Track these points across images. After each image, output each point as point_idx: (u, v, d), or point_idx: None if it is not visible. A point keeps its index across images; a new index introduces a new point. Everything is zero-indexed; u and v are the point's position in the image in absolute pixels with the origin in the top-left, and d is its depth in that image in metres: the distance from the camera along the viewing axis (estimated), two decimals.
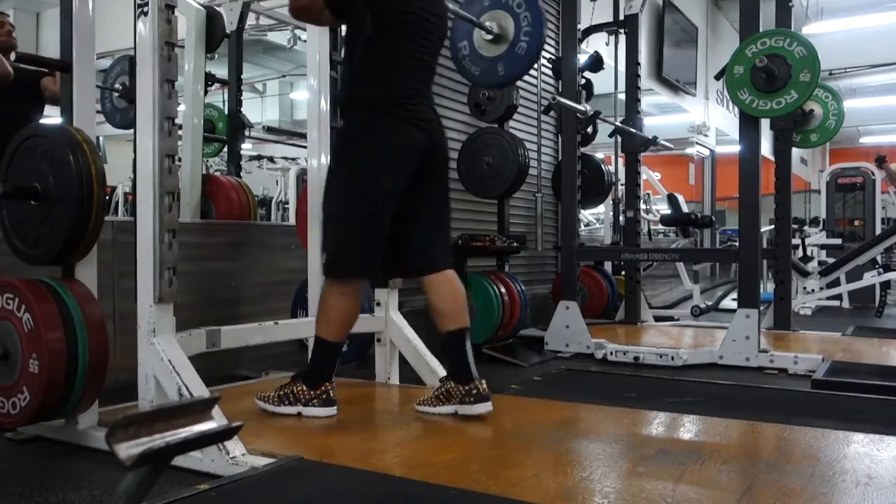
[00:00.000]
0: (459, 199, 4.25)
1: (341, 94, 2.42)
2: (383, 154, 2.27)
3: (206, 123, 4.44)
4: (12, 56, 3.00)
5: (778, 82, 3.69)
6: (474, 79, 3.66)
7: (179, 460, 1.85)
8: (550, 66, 5.44)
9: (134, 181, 2.29)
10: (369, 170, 2.27)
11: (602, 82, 5.51)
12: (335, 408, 2.31)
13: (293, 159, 10.02)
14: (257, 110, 14.33)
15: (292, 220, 4.98)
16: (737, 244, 3.99)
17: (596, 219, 11.58)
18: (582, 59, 4.88)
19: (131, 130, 2.27)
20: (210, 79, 4.37)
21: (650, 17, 7.06)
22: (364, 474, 1.80)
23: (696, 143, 9.65)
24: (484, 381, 2.32)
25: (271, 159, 10.15)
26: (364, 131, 2.29)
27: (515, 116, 4.73)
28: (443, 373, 2.73)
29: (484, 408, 2.29)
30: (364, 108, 2.30)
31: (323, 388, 2.31)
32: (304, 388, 2.31)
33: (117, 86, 4.53)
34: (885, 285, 6.84)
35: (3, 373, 2.13)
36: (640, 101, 5.38)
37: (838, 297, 6.91)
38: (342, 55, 2.47)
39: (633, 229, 5.19)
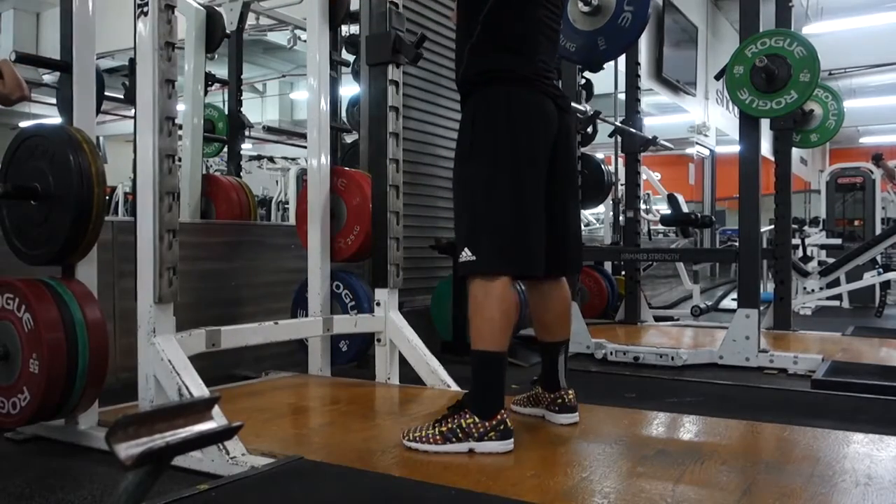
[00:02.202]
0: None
1: (466, 71, 2.11)
2: (530, 129, 2.03)
3: (206, 123, 4.44)
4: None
5: (778, 82, 3.69)
6: (570, 56, 3.32)
7: (179, 460, 1.85)
8: None
9: (134, 181, 2.29)
10: (519, 146, 2.01)
11: (602, 82, 5.51)
12: (513, 440, 1.95)
13: (293, 159, 10.04)
14: (257, 110, 14.34)
15: (292, 220, 4.97)
16: (737, 244, 3.99)
17: (596, 219, 11.59)
18: None
19: (131, 130, 2.27)
20: (210, 79, 4.37)
21: (650, 17, 7.05)
22: (364, 474, 1.80)
23: (696, 143, 9.65)
24: (571, 392, 2.25)
25: (271, 159, 10.16)
26: (505, 106, 2.02)
27: None
28: (443, 373, 2.74)
29: (569, 418, 2.22)
30: (500, 82, 2.04)
31: (499, 416, 1.94)
32: (476, 419, 1.93)
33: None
34: (885, 285, 6.85)
35: (3, 373, 2.13)
36: (640, 101, 5.38)
37: (838, 297, 6.90)
38: (457, 30, 2.19)
39: (632, 229, 5.19)
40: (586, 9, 3.15)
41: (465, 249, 2.00)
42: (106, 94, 3.29)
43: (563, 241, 2.18)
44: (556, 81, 2.19)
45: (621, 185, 6.00)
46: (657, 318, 5.32)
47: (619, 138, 5.52)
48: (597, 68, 3.94)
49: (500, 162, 2.00)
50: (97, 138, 2.55)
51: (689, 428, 2.31)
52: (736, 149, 4.10)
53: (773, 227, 5.05)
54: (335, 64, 3.69)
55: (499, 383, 1.97)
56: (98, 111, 2.35)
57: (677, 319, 5.68)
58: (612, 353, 3.96)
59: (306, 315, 3.15)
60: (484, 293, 1.96)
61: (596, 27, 3.18)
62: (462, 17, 2.15)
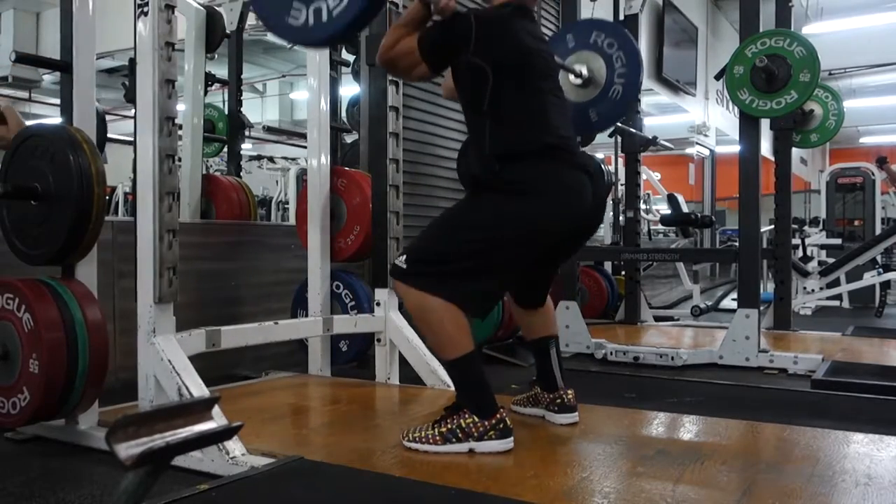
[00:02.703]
0: (459, 199, 4.25)
1: (478, 162, 2.04)
2: (547, 210, 1.96)
3: (206, 123, 4.45)
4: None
5: (778, 82, 3.69)
6: None
7: (179, 460, 1.85)
8: None
9: (134, 181, 2.29)
10: (524, 228, 1.95)
11: None
12: (512, 439, 1.96)
13: (293, 159, 10.04)
14: (257, 110, 14.33)
15: (292, 220, 4.98)
16: (737, 244, 3.99)
17: None
18: None
19: (131, 130, 2.27)
20: (210, 79, 4.37)
21: (650, 17, 7.05)
22: (364, 474, 1.80)
23: (696, 143, 9.65)
24: (571, 392, 2.25)
25: (271, 159, 10.16)
26: (524, 181, 1.94)
27: None
28: (443, 373, 2.74)
29: (568, 418, 2.21)
30: (517, 160, 1.96)
31: (499, 415, 1.95)
32: (476, 418, 1.94)
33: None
34: (885, 285, 6.85)
35: (3, 373, 2.13)
36: (640, 101, 5.37)
37: (838, 297, 6.90)
38: (465, 111, 2.14)
39: (632, 229, 5.19)
40: (577, 81, 3.20)
41: (404, 258, 1.99)
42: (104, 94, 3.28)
43: (533, 286, 2.24)
44: (576, 142, 2.14)
45: (621, 185, 6.00)
46: (657, 318, 5.32)
47: (619, 138, 5.52)
48: (588, 142, 4.03)
49: (502, 241, 1.95)
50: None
51: (689, 428, 2.31)
52: (736, 149, 4.10)
53: (773, 227, 5.05)
54: (335, 64, 3.69)
55: (484, 380, 1.97)
56: (101, 151, 2.32)
57: (677, 319, 5.68)
58: (612, 353, 3.96)
59: (306, 315, 3.15)
60: (428, 305, 1.93)
61: (587, 99, 3.22)
62: (466, 98, 2.11)
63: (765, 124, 4.28)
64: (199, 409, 1.10)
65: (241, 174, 4.81)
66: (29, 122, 2.67)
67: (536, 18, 2.22)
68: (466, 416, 1.94)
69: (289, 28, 1.83)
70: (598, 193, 2.08)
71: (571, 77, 3.20)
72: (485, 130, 2.00)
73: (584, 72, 3.22)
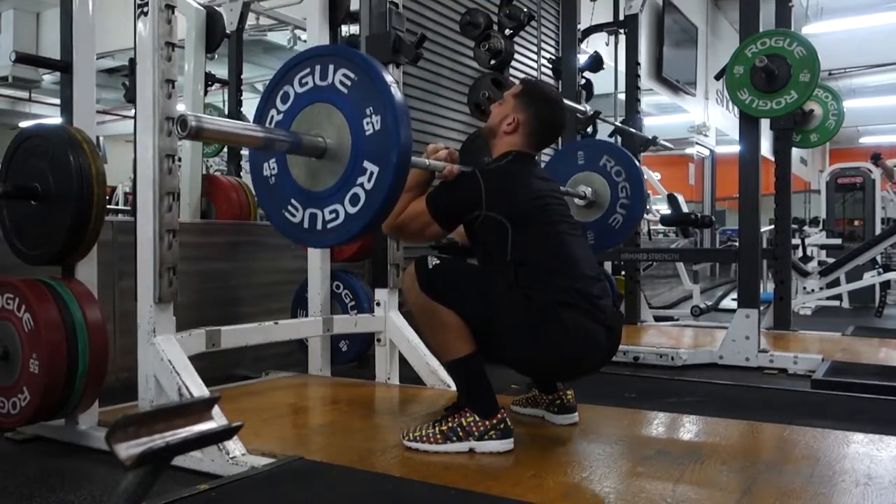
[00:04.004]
0: None
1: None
2: (564, 355, 1.94)
3: None
4: None
5: (778, 82, 3.69)
6: None
7: (179, 460, 1.85)
8: (550, 66, 5.44)
9: (134, 181, 2.29)
10: (537, 356, 1.94)
11: (602, 82, 5.51)
12: (513, 439, 1.96)
13: None
14: None
15: None
16: (737, 244, 3.99)
17: None
18: (582, 59, 4.88)
19: (131, 130, 2.27)
20: (210, 79, 4.37)
21: (650, 17, 7.06)
22: (364, 474, 1.80)
23: (696, 143, 9.66)
24: (570, 392, 2.24)
25: None
26: (550, 327, 1.90)
27: None
28: (443, 373, 2.74)
29: (568, 419, 2.21)
30: (551, 307, 1.91)
31: (500, 415, 1.94)
32: (476, 418, 1.93)
33: None
34: (885, 285, 6.85)
35: (4, 373, 2.13)
36: (640, 101, 5.37)
37: (838, 297, 6.90)
38: (480, 260, 2.14)
39: (633, 229, 5.18)
40: (581, 202, 3.26)
41: (435, 261, 1.97)
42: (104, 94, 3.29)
43: None
44: (603, 283, 2.06)
45: None
46: (657, 318, 5.32)
47: (619, 138, 5.52)
48: None
49: (510, 340, 1.93)
50: (97, 138, 2.55)
51: (689, 428, 2.31)
52: (736, 149, 4.10)
53: (773, 227, 5.05)
54: None
55: (485, 381, 1.96)
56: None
57: (677, 319, 5.68)
58: None
59: (306, 315, 3.15)
60: (425, 306, 1.94)
61: (587, 220, 3.29)
62: (480, 253, 2.11)
63: (765, 124, 4.28)
64: (199, 409, 1.10)
65: (241, 174, 4.81)
66: (29, 122, 2.67)
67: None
68: (467, 415, 1.95)
69: (288, 224, 1.94)
70: (611, 350, 2.03)
71: (576, 199, 3.27)
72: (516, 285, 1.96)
73: (588, 193, 3.28)
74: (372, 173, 1.77)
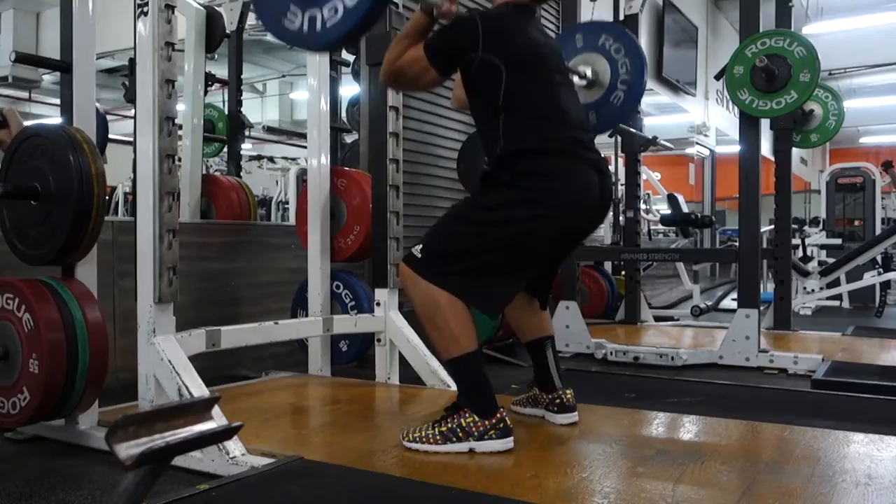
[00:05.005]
0: (459, 199, 4.25)
1: (496, 157, 2.01)
2: (563, 204, 1.95)
3: (206, 123, 4.45)
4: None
5: (778, 82, 3.69)
6: None
7: (179, 460, 1.85)
8: None
9: (134, 181, 2.29)
10: (537, 229, 1.95)
11: None
12: (512, 439, 1.96)
13: (293, 159, 10.03)
14: (257, 110, 14.33)
15: (292, 220, 4.98)
16: (737, 244, 3.99)
17: None
18: None
19: (131, 130, 2.27)
20: (210, 79, 4.37)
21: (650, 17, 7.05)
22: (364, 474, 1.80)
23: (696, 143, 9.65)
24: (570, 392, 2.23)
25: (271, 159, 10.16)
26: (538, 182, 1.93)
27: None
28: (443, 373, 2.74)
29: (568, 418, 2.21)
30: (534, 156, 1.95)
31: (499, 415, 1.94)
32: (476, 418, 1.93)
33: None
34: (885, 285, 6.84)
35: (3, 373, 2.13)
36: (639, 101, 5.37)
37: (838, 297, 6.90)
38: (476, 115, 2.14)
39: (632, 229, 5.18)
40: (581, 82, 3.20)
41: (420, 248, 2.00)
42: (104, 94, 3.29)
43: (534, 289, 2.23)
44: (591, 135, 2.12)
45: (621, 185, 5.99)
46: (657, 318, 5.32)
47: (619, 138, 5.53)
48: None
49: (516, 240, 1.94)
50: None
51: (689, 428, 2.31)
52: (736, 149, 4.10)
53: (773, 227, 5.05)
54: (335, 64, 3.69)
55: (485, 380, 1.96)
56: (102, 152, 2.32)
57: (677, 319, 5.67)
58: (612, 353, 3.96)
59: (306, 315, 3.15)
60: (427, 302, 1.94)
61: (588, 101, 3.21)
62: (475, 95, 2.09)
63: (765, 124, 4.28)
64: (198, 409, 1.10)
65: (241, 174, 4.82)
66: (29, 123, 2.67)
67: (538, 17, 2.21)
68: (467, 415, 1.94)
69: (286, 31, 1.85)
70: (604, 194, 2.06)
71: (576, 78, 3.20)
72: (499, 131, 1.99)
73: (589, 73, 3.22)
74: None
